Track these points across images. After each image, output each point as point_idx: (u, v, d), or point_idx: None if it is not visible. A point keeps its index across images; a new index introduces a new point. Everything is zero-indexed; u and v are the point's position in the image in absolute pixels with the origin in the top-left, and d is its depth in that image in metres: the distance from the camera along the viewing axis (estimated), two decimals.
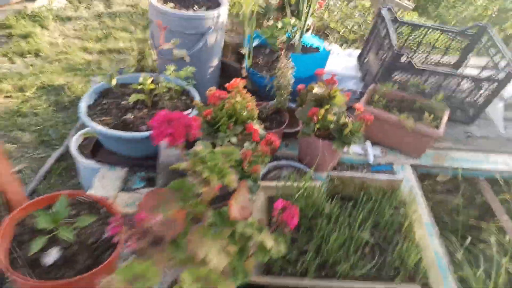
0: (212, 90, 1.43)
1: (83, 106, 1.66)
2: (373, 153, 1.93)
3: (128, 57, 3.04)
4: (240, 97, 1.41)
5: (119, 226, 0.87)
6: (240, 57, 2.35)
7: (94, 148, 1.75)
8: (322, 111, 1.57)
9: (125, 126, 1.62)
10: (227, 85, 1.43)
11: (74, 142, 1.82)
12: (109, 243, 1.11)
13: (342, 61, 2.60)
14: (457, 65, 2.52)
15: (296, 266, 1.21)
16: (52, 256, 1.04)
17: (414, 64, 2.00)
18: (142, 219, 0.82)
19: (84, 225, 1.05)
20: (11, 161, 2.08)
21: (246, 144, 1.30)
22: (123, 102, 1.72)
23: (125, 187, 1.61)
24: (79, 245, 1.07)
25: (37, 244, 1.00)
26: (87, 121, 1.59)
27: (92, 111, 1.68)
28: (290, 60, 1.74)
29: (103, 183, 1.60)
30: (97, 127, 1.56)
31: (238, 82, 1.42)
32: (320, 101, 1.59)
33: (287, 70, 1.72)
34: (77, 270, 1.04)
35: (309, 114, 1.56)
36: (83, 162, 1.71)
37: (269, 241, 0.86)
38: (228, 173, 0.87)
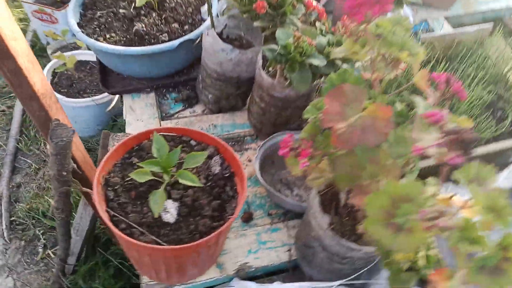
0: None
1: (73, 24, 1.27)
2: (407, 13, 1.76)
3: None
4: None
5: (289, 143, 0.67)
6: None
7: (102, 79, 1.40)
8: None
9: (141, 39, 1.28)
10: None
11: None
12: (225, 180, 0.91)
13: None
14: None
15: None
16: (172, 211, 0.83)
17: None
18: (327, 120, 0.62)
19: (196, 164, 0.83)
20: None
21: None
22: (122, 11, 1.34)
23: (163, 115, 1.34)
24: (194, 191, 0.86)
25: (157, 202, 0.78)
26: (92, 43, 1.22)
27: (87, 29, 1.29)
28: None
29: (136, 115, 1.31)
30: (109, 48, 1.21)
31: None
32: None
33: None
34: (201, 224, 0.85)
35: None
36: (64, 101, 1.39)
37: None
38: (411, 45, 0.66)
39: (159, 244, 0.80)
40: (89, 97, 1.88)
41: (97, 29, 1.30)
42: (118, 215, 0.82)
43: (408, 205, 0.52)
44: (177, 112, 1.35)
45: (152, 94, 1.39)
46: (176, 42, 1.23)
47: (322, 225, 0.84)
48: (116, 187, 0.86)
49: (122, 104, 1.38)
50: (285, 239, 1.10)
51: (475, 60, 1.25)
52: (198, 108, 1.38)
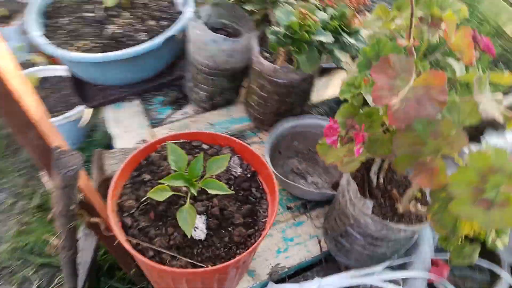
0: None
1: (37, 36, 1.13)
2: None
3: None
4: None
5: (337, 130, 0.60)
6: None
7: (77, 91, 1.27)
8: None
9: (118, 43, 1.16)
10: None
11: None
12: (248, 181, 0.83)
13: None
14: None
15: None
16: (200, 225, 0.74)
17: None
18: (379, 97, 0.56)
19: (221, 170, 0.74)
20: None
21: None
22: (89, 15, 1.21)
23: (152, 122, 1.23)
24: (219, 199, 0.78)
25: (187, 220, 0.68)
26: (63, 54, 1.09)
27: (55, 40, 1.16)
28: None
29: (124, 126, 1.20)
30: (85, 57, 1.09)
31: None
32: None
33: None
34: (235, 234, 0.77)
35: None
36: None
37: None
38: (452, 2, 0.60)
39: (195, 266, 0.71)
40: (59, 115, 1.73)
41: (66, 38, 1.16)
42: (142, 242, 0.72)
43: (497, 176, 0.47)
44: (167, 117, 1.25)
45: (137, 101, 1.27)
46: (160, 40, 1.12)
47: (365, 211, 0.78)
48: (132, 211, 0.76)
49: (97, 118, 1.25)
50: (311, 231, 1.04)
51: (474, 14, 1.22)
52: (189, 109, 1.28)
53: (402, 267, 0.93)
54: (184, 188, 0.75)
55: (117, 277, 1.39)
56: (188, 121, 1.23)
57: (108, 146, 1.73)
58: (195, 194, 0.71)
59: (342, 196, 0.86)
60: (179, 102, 1.29)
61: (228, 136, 0.87)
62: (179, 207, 0.76)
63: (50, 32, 1.18)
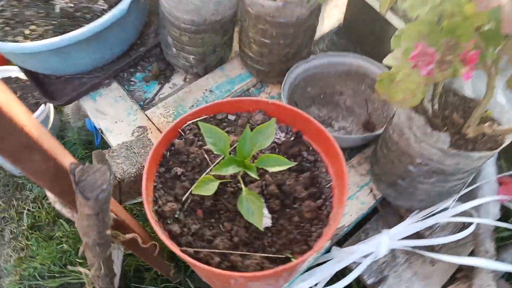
0: None
1: None
2: None
3: None
4: None
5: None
6: None
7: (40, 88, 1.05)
8: None
9: (73, 20, 0.95)
10: None
11: None
12: (296, 145, 0.70)
13: None
14: None
15: None
16: (266, 216, 0.62)
17: None
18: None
19: (272, 139, 0.60)
20: None
21: None
22: None
23: (141, 104, 1.05)
24: (271, 175, 0.65)
25: (250, 210, 0.55)
26: (9, 48, 0.87)
27: None
28: None
29: (110, 117, 1.01)
30: (39, 45, 0.87)
31: None
32: None
33: None
34: (305, 209, 0.65)
35: None
36: None
37: None
38: None
39: (272, 259, 0.60)
40: None
41: (6, 27, 0.93)
42: (203, 249, 0.59)
43: None
44: (156, 94, 1.07)
45: (115, 85, 1.08)
46: (125, 4, 0.92)
47: (440, 145, 0.68)
48: (176, 216, 0.62)
49: (62, 114, 1.05)
50: (358, 181, 0.94)
51: None
52: (178, 79, 1.10)
53: (470, 196, 0.86)
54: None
55: (147, 279, 1.27)
56: (182, 93, 1.06)
57: (90, 143, 1.53)
58: (257, 177, 0.57)
59: (400, 135, 0.76)
60: (164, 74, 1.10)
61: (255, 98, 0.72)
62: (230, 196, 0.62)
63: None
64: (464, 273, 0.88)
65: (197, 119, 0.70)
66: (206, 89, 1.07)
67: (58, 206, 0.54)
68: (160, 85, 1.09)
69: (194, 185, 0.59)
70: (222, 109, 0.72)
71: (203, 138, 0.69)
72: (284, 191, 0.65)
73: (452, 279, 0.88)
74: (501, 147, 0.69)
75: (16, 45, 0.88)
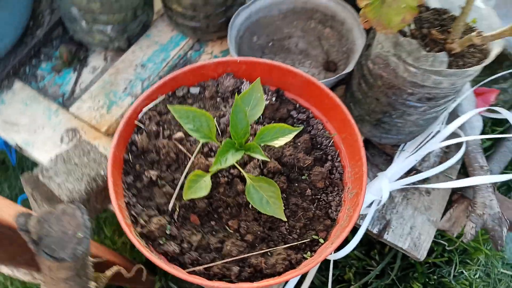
0: None
1: None
2: None
3: None
4: None
5: None
6: None
7: None
8: None
9: None
10: None
11: None
12: (283, 103, 0.59)
13: None
14: None
15: None
16: None
17: None
18: None
19: (261, 110, 0.47)
20: None
21: None
22: None
23: (62, 100, 0.85)
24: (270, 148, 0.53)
25: (263, 200, 0.44)
26: None
27: None
28: None
29: (26, 126, 0.80)
30: None
31: None
32: None
33: None
34: (315, 178, 0.55)
35: None
36: None
37: None
38: None
39: (299, 248, 0.50)
40: None
41: None
42: (214, 263, 0.47)
43: None
44: (75, 84, 0.87)
45: (18, 85, 0.86)
46: None
47: (437, 67, 0.61)
48: (167, 232, 0.49)
49: None
50: None
51: None
52: (97, 59, 0.91)
53: (452, 116, 0.83)
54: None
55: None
56: (108, 76, 0.88)
57: (2, 162, 1.27)
58: (267, 159, 0.45)
59: (385, 67, 0.67)
60: (77, 58, 0.90)
61: (220, 59, 0.58)
62: (225, 188, 0.51)
63: None
64: (459, 193, 0.86)
65: (154, 102, 0.55)
66: (136, 65, 0.89)
67: (5, 270, 0.38)
68: (76, 72, 0.89)
69: (184, 188, 0.46)
70: (181, 83, 0.58)
71: (169, 126, 0.55)
72: (285, 164, 0.55)
73: (449, 202, 0.87)
74: (491, 58, 0.65)
75: None
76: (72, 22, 0.84)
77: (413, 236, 0.81)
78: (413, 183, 0.80)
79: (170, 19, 0.91)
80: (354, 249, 0.92)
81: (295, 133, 0.47)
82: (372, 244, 1.00)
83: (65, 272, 0.32)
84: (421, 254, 0.80)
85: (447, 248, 0.94)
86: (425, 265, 0.97)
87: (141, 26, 0.89)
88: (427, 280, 0.95)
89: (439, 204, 0.85)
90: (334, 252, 0.77)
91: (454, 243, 0.93)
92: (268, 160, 0.49)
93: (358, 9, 0.70)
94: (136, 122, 0.54)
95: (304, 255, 0.50)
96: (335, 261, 0.79)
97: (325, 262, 0.79)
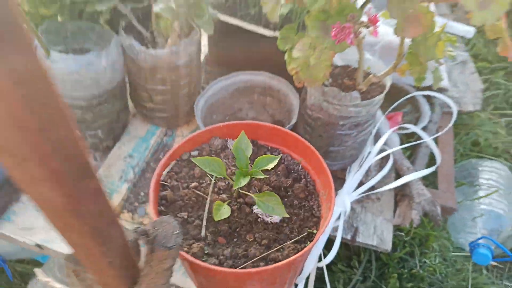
0: None
1: None
2: None
3: None
4: None
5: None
6: None
7: None
8: None
9: None
10: None
11: None
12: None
13: None
14: None
15: None
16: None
17: None
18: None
19: (250, 153, 0.69)
20: None
21: None
22: None
23: None
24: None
25: (270, 204, 0.64)
26: None
27: None
28: None
29: (40, 225, 0.93)
30: None
31: None
32: None
33: None
34: (298, 190, 0.76)
35: None
36: None
37: None
38: None
39: (301, 241, 0.70)
40: None
41: None
42: (247, 264, 0.65)
43: None
44: None
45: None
46: None
47: (354, 102, 0.89)
48: (206, 252, 0.66)
49: None
50: None
51: None
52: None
53: (376, 138, 1.11)
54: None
55: None
56: (102, 171, 1.05)
57: None
58: (264, 176, 0.66)
59: (319, 110, 0.95)
60: None
61: (208, 128, 0.81)
62: (237, 213, 0.71)
63: None
64: (401, 194, 1.12)
65: (170, 166, 0.75)
66: (124, 156, 1.08)
67: (57, 285, 0.53)
68: None
69: (213, 214, 0.65)
70: (183, 150, 0.79)
71: (185, 180, 0.75)
72: (274, 187, 0.76)
73: (395, 203, 1.11)
74: (387, 89, 0.95)
75: None
76: None
77: (378, 234, 1.03)
78: (365, 192, 1.04)
79: (143, 116, 1.14)
80: (337, 263, 1.11)
81: (277, 159, 0.70)
82: (350, 257, 1.20)
83: (169, 261, 0.48)
84: (388, 246, 1.01)
85: (406, 239, 1.17)
86: (395, 260, 1.18)
87: (122, 126, 1.10)
88: (400, 274, 1.15)
89: (388, 206, 1.09)
90: (323, 260, 0.95)
91: (410, 232, 1.16)
92: (266, 177, 0.70)
93: (289, 78, 0.99)
94: (161, 181, 0.73)
95: (306, 244, 0.69)
96: (323, 276, 0.98)
97: (319, 270, 0.97)
